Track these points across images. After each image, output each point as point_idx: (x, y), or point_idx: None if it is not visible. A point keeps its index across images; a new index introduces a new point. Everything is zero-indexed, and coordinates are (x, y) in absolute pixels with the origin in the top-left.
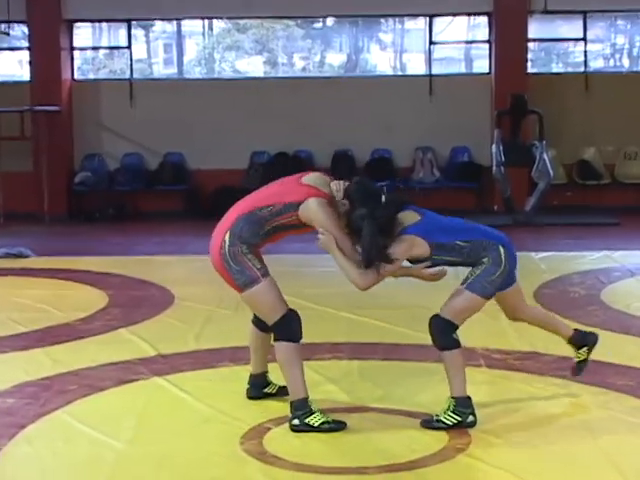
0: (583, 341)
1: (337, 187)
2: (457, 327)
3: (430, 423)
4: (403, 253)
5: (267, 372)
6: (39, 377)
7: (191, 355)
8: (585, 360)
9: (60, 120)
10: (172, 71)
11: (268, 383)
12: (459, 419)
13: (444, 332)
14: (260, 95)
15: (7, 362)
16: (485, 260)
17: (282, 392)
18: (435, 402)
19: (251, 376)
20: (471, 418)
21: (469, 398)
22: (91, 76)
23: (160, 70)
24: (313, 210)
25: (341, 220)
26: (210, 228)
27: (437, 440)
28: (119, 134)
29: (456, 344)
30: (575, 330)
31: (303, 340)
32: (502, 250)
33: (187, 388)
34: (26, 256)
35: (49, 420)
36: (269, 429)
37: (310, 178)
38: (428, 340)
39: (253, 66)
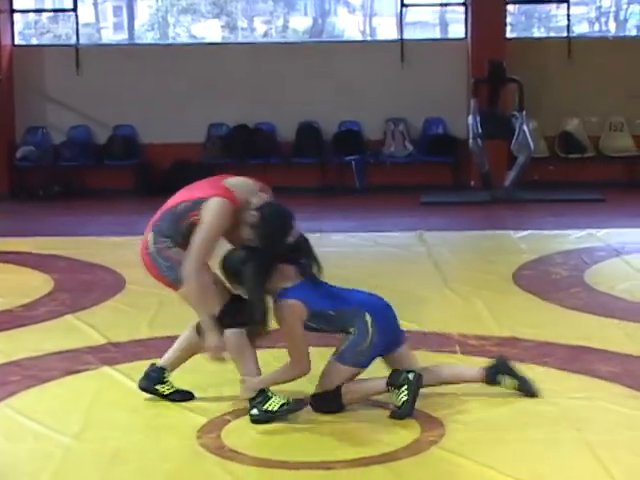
0: (497, 374)
1: (262, 199)
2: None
3: (396, 413)
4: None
5: (168, 370)
6: None
7: (144, 343)
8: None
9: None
10: (122, 36)
11: (164, 381)
12: (406, 388)
13: (331, 403)
14: (218, 62)
15: None
16: (352, 330)
17: (177, 397)
18: None
19: (152, 365)
20: (410, 375)
21: (392, 372)
22: (34, 41)
23: (109, 35)
24: (209, 208)
25: (241, 230)
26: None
27: (409, 432)
28: (65, 105)
29: (341, 400)
30: (486, 369)
31: None
32: (369, 319)
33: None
34: None
35: None
36: (228, 421)
37: (233, 181)
38: (405, 326)
39: (210, 31)
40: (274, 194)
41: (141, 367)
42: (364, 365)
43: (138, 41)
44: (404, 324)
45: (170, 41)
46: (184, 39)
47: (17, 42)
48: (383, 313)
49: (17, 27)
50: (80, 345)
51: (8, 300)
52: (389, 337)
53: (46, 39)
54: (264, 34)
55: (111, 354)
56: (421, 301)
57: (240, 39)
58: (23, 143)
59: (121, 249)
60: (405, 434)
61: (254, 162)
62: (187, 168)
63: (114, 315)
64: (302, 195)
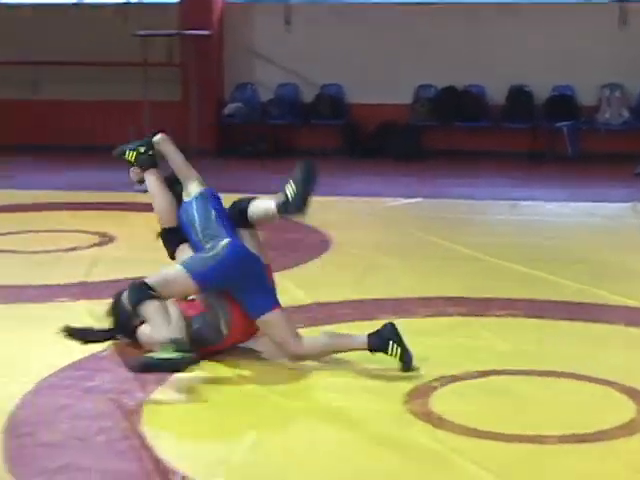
0: (385, 338)
1: None
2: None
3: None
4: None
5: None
6: None
7: (350, 305)
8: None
9: (210, 46)
10: None
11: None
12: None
13: (136, 293)
14: (428, 22)
15: None
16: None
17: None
18: (627, 369)
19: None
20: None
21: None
22: None
23: None
24: None
25: None
26: (371, 167)
27: (624, 411)
28: (273, 62)
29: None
30: (370, 335)
31: (474, 294)
32: (225, 242)
33: None
34: None
35: (199, 367)
36: (435, 388)
37: None
38: (613, 300)
39: None
40: (481, 158)
41: (348, 329)
42: (196, 276)
43: None
44: (616, 298)
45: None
46: None
47: None
48: (244, 257)
49: None
50: (286, 304)
51: None
52: (237, 272)
53: None
54: None
55: (317, 314)
56: (634, 275)
57: None
58: (231, 100)
59: (327, 209)
60: (619, 412)
61: (462, 125)
62: (393, 130)
63: (320, 275)
64: (511, 160)
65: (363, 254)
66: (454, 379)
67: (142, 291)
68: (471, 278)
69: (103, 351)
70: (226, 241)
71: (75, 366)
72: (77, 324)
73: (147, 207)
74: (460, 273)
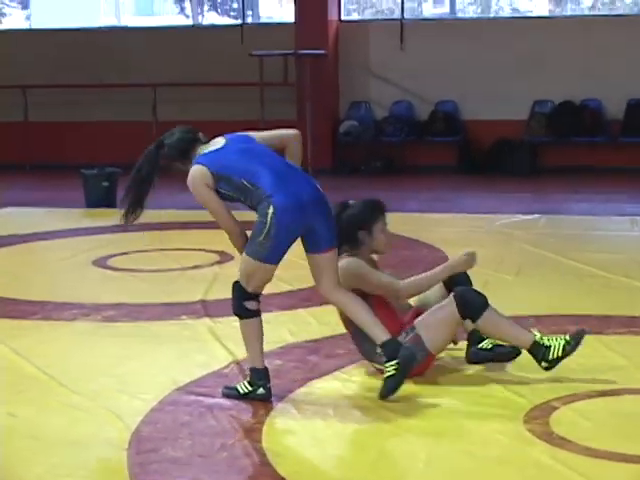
0: (394, 353)
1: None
2: (252, 294)
3: (227, 388)
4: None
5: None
6: (305, 339)
7: None
8: (393, 376)
9: (325, 65)
10: (443, 10)
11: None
12: (249, 389)
13: (235, 297)
14: (543, 37)
15: (272, 322)
16: (257, 216)
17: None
18: None
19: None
20: (261, 390)
21: (264, 369)
22: (355, 16)
23: (429, 9)
24: None
25: None
26: (486, 184)
27: None
28: (388, 80)
29: (248, 313)
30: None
31: (594, 312)
32: (271, 210)
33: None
34: None
35: (318, 386)
36: (556, 408)
37: None
38: None
39: (535, 4)
40: (599, 174)
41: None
42: (266, 259)
43: (460, 15)
44: None
45: (493, 15)
46: (508, 13)
47: (343, 17)
48: (294, 208)
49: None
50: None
51: None
52: (295, 234)
53: (368, 14)
54: (591, 7)
55: None
56: None
57: (567, 12)
58: (346, 118)
59: (443, 226)
60: None
61: (579, 141)
62: (509, 146)
63: None
64: (630, 176)
65: (480, 271)
66: (575, 398)
67: (241, 306)
68: (590, 295)
69: (224, 368)
70: (271, 209)
71: (197, 383)
72: (198, 342)
73: None
74: (579, 290)
